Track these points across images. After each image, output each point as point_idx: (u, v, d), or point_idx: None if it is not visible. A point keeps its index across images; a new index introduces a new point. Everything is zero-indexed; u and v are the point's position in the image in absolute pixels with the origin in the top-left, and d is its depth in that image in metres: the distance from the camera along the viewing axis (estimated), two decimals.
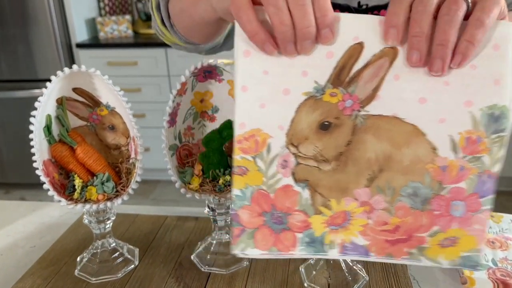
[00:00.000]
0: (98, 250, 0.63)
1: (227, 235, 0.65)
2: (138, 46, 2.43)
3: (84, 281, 0.60)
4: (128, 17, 2.62)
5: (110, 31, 2.58)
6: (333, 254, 0.46)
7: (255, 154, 0.43)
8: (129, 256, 0.64)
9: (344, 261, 0.59)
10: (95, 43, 2.48)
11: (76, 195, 0.58)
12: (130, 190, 0.59)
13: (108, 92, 0.60)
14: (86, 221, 0.61)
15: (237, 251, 0.45)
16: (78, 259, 0.64)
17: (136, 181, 0.60)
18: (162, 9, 0.65)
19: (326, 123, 0.42)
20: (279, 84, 0.41)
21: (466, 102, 0.40)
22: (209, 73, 0.60)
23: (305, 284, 0.58)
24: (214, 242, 0.65)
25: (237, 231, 0.45)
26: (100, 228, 0.61)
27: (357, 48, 0.40)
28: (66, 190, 0.59)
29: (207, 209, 0.62)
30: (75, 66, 0.56)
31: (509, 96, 0.39)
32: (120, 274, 0.61)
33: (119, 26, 2.59)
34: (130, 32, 2.63)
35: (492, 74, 0.39)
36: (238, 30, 0.40)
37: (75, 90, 0.60)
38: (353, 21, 0.40)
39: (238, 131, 0.43)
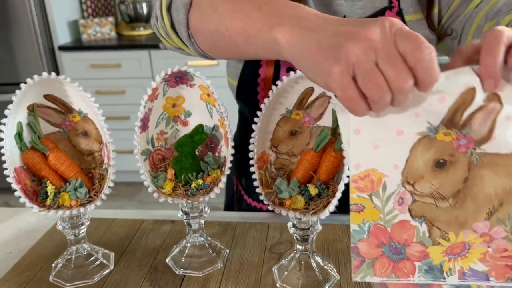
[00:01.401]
0: (73, 256, 0.63)
1: (201, 237, 0.65)
2: (121, 48, 2.43)
3: (58, 287, 0.61)
4: (111, 19, 2.60)
5: (93, 33, 2.57)
6: (453, 280, 0.47)
7: (371, 192, 0.45)
8: (104, 261, 0.64)
9: (315, 261, 0.60)
10: (77, 45, 2.47)
11: (48, 202, 0.58)
12: (103, 196, 0.59)
13: (79, 99, 0.61)
14: (60, 227, 0.61)
15: (357, 279, 0.48)
16: (53, 265, 0.64)
17: (109, 187, 0.60)
18: (182, 17, 0.57)
19: (441, 161, 0.43)
20: (392, 125, 0.42)
21: None
22: (180, 78, 0.61)
23: (278, 285, 0.60)
24: (189, 245, 0.65)
25: (357, 262, 0.47)
26: (74, 234, 0.62)
27: (470, 93, 0.40)
28: (38, 196, 0.59)
29: (180, 212, 0.63)
30: (44, 73, 0.56)
31: None
32: (95, 279, 0.62)
33: (102, 28, 2.58)
34: (113, 34, 2.62)
35: None
36: None
37: (46, 96, 0.60)
38: (463, 69, 0.40)
39: (353, 171, 0.44)
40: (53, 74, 0.57)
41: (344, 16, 0.69)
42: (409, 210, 0.45)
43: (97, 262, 0.64)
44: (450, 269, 0.47)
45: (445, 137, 0.42)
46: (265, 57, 0.49)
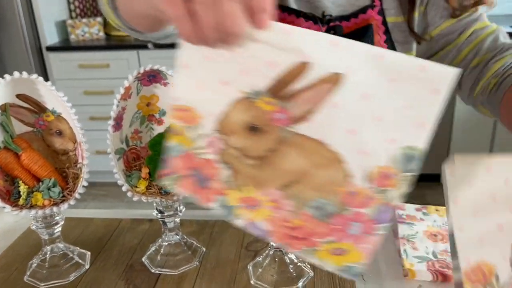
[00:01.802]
0: (47, 256, 0.63)
1: (177, 236, 0.66)
2: (110, 48, 2.42)
3: (33, 286, 0.61)
4: (99, 19, 2.59)
5: (81, 34, 2.56)
6: (239, 223, 0.48)
7: (188, 125, 0.45)
8: (79, 260, 0.64)
9: (289, 257, 0.61)
10: (66, 46, 2.46)
11: (21, 201, 0.58)
12: (76, 195, 0.59)
13: (52, 98, 0.61)
14: (33, 227, 0.61)
15: (163, 183, 0.48)
16: (28, 265, 0.64)
17: (83, 186, 0.60)
18: None
19: (254, 126, 0.43)
20: (219, 74, 0.42)
21: (391, 139, 0.40)
22: (153, 77, 0.61)
23: (252, 282, 0.60)
24: (165, 244, 0.65)
25: (166, 171, 0.48)
26: (48, 233, 0.62)
27: (301, 67, 0.39)
28: (11, 196, 0.59)
29: (155, 211, 0.63)
30: (16, 73, 0.56)
31: (427, 140, 0.39)
32: (70, 278, 0.62)
33: (90, 29, 2.57)
34: (101, 34, 2.61)
35: (422, 117, 0.39)
36: None
37: (19, 96, 0.60)
38: (304, 37, 0.39)
39: (173, 101, 0.45)
40: (25, 73, 0.57)
41: (323, 13, 0.69)
42: (218, 155, 0.46)
43: (73, 262, 0.64)
44: (240, 215, 0.48)
45: (266, 105, 0.42)
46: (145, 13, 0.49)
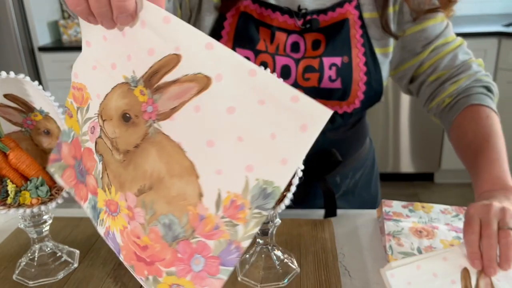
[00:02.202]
0: (36, 254, 0.63)
1: None
2: None
3: (22, 285, 0.61)
4: None
5: (73, 34, 2.55)
6: (101, 231, 0.47)
7: (79, 106, 0.46)
8: (68, 259, 0.65)
9: (276, 254, 0.61)
10: (58, 46, 2.45)
11: (9, 200, 0.59)
12: (64, 194, 0.60)
13: (40, 98, 0.61)
14: (22, 226, 0.61)
15: (51, 170, 0.49)
16: (17, 263, 0.64)
17: None
18: None
19: (127, 115, 0.42)
20: (111, 56, 0.42)
21: (248, 166, 0.37)
22: None
23: (239, 278, 0.61)
24: None
25: (54, 156, 0.48)
26: (37, 232, 0.62)
27: (174, 59, 0.38)
28: None
29: None
30: (3, 73, 0.57)
31: (288, 179, 0.36)
32: (58, 277, 0.62)
33: None
34: None
35: (285, 152, 0.35)
36: None
37: (6, 96, 0.61)
38: (182, 30, 0.37)
39: (72, 78, 0.45)
40: (12, 73, 0.57)
41: (299, 6, 0.70)
42: (95, 143, 0.45)
43: (61, 260, 0.64)
44: (102, 220, 0.46)
45: (140, 95, 0.41)
46: None
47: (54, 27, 2.59)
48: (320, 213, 0.76)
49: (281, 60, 0.70)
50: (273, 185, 0.36)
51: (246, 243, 0.38)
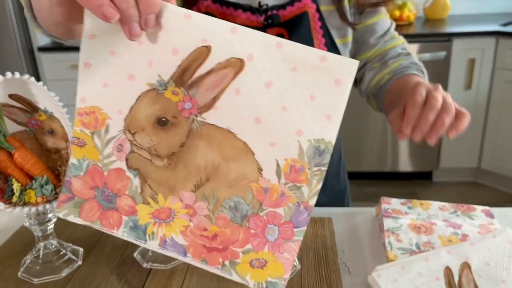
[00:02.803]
0: (41, 252, 0.64)
1: None
2: None
3: (26, 282, 0.62)
4: None
5: None
6: (153, 245, 0.46)
7: (94, 130, 0.44)
8: (72, 256, 0.66)
9: None
10: (57, 46, 2.45)
11: (15, 199, 0.59)
12: None
13: (44, 98, 0.62)
14: (27, 224, 0.62)
15: (60, 214, 0.47)
16: (22, 261, 0.65)
17: None
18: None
19: (163, 119, 0.43)
20: (125, 68, 0.41)
21: (297, 131, 0.40)
22: None
23: None
24: None
25: (64, 197, 0.46)
26: (41, 230, 0.63)
27: (204, 51, 0.39)
28: (5, 194, 0.60)
29: None
30: (8, 73, 0.58)
31: (336, 133, 0.39)
32: (63, 274, 0.63)
33: None
34: None
35: (327, 109, 0.39)
36: (86, 12, 0.40)
37: (11, 96, 0.61)
38: (205, 22, 0.39)
39: (79, 104, 0.44)
40: (17, 73, 0.58)
41: (259, 3, 0.73)
42: (126, 160, 0.44)
43: (66, 258, 0.65)
44: (153, 233, 0.46)
45: (173, 96, 0.41)
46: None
47: None
48: (319, 211, 0.77)
49: None
50: (324, 141, 0.39)
51: (313, 201, 0.41)
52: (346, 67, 0.38)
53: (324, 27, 0.76)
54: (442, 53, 2.20)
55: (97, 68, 0.42)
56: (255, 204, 0.43)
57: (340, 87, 0.38)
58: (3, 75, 0.58)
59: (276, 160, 0.41)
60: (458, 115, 0.57)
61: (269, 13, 0.74)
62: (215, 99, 0.41)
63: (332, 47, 0.77)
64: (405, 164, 2.48)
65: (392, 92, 0.75)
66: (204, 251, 0.46)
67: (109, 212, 0.46)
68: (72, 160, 0.45)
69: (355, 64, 0.38)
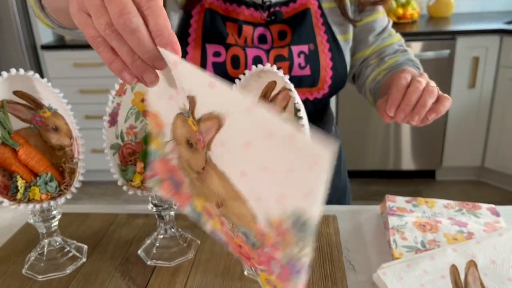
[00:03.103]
0: (45, 249, 0.64)
1: (172, 229, 0.67)
2: None
3: (31, 279, 0.62)
4: None
5: None
6: (207, 230, 0.51)
7: (159, 129, 0.49)
8: (77, 254, 0.66)
9: None
10: (61, 44, 2.46)
11: (19, 196, 0.59)
12: (73, 189, 0.61)
13: (49, 95, 0.62)
14: (31, 221, 0.62)
15: (149, 185, 0.53)
16: (26, 258, 0.65)
17: (79, 180, 0.61)
18: None
19: (189, 142, 0.46)
20: (167, 88, 0.43)
21: (279, 195, 0.36)
22: None
23: (245, 273, 0.61)
24: (160, 237, 0.67)
25: (150, 174, 0.52)
26: (46, 227, 0.63)
27: (192, 100, 0.40)
28: (9, 191, 0.60)
29: (151, 205, 0.64)
30: (13, 70, 0.57)
31: (317, 211, 0.33)
32: (67, 271, 0.63)
33: None
34: None
35: (303, 186, 0.33)
36: None
37: (16, 93, 0.61)
38: (186, 74, 0.37)
39: (148, 106, 0.49)
40: (21, 70, 0.58)
41: (263, 0, 0.74)
42: (179, 162, 0.49)
43: (70, 255, 0.65)
44: (206, 221, 0.51)
45: (193, 125, 0.43)
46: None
47: None
48: (324, 208, 0.76)
49: (252, 52, 0.73)
50: (305, 216, 0.34)
51: (304, 259, 0.37)
52: (316, 153, 0.30)
53: (326, 23, 0.77)
54: (446, 51, 2.19)
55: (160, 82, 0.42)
56: (259, 240, 0.42)
57: (315, 168, 0.31)
58: (8, 71, 0.58)
59: (265, 213, 0.39)
60: (440, 98, 0.59)
61: (272, 9, 0.74)
62: (209, 144, 0.41)
63: (334, 43, 0.78)
64: (408, 163, 2.48)
65: (385, 85, 0.77)
66: (237, 251, 0.48)
67: (179, 192, 0.52)
68: (149, 147, 0.51)
69: (326, 152, 0.29)
